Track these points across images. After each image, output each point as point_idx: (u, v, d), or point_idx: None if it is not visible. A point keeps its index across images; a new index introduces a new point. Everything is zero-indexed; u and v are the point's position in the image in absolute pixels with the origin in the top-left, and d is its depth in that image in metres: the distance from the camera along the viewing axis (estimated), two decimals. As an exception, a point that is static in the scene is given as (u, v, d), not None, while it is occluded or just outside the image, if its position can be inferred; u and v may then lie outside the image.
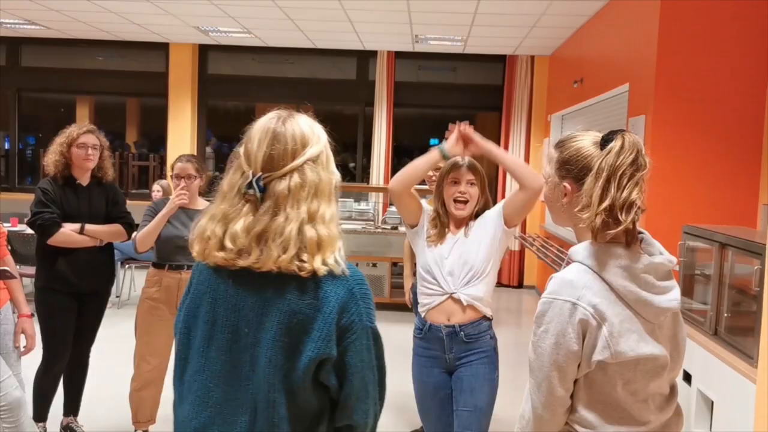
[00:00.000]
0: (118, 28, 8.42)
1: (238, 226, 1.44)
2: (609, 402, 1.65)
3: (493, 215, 2.90)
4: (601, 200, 1.59)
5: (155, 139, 10.33)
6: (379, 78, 9.28)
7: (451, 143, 2.78)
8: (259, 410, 1.44)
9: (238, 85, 9.77)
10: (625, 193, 1.60)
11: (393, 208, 8.66)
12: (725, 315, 3.43)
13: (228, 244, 1.45)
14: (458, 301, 2.84)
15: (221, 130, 10.40)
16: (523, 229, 9.16)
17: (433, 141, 9.07)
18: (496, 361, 2.92)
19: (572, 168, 1.71)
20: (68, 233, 3.62)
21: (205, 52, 9.61)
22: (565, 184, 1.72)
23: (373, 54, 9.29)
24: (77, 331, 3.78)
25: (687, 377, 3.62)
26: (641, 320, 1.63)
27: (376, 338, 1.51)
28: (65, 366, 3.79)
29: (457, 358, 2.87)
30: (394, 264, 7.57)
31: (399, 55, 9.29)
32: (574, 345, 1.60)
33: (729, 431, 3.18)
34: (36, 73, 9.74)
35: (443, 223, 2.93)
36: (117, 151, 9.80)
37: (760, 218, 4.49)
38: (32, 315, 3.23)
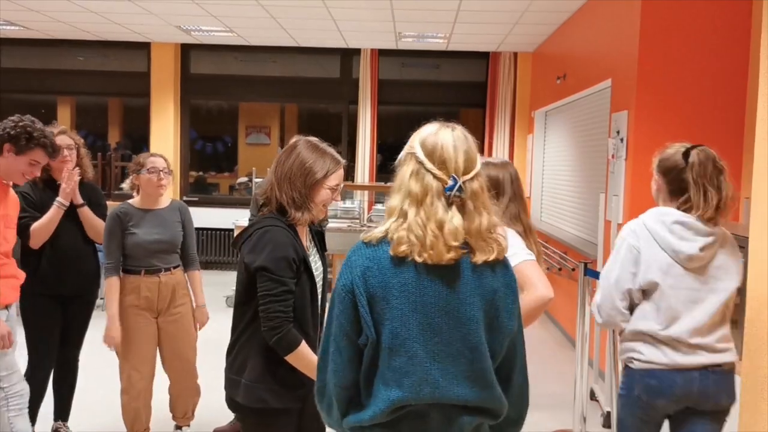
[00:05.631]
0: (99, 27, 8.35)
1: (456, 223, 1.60)
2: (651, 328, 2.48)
3: None
4: (705, 202, 2.49)
5: (138, 139, 10.25)
6: (362, 76, 9.26)
7: None
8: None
9: (221, 85, 9.72)
10: (723, 193, 2.52)
11: (379, 206, 8.66)
12: (709, 308, 3.46)
13: (452, 242, 1.58)
14: None
15: (204, 130, 10.33)
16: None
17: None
18: None
19: (660, 167, 2.59)
20: (37, 225, 3.49)
21: (187, 51, 9.54)
22: (655, 177, 2.60)
23: (356, 52, 9.27)
24: (64, 335, 3.74)
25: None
26: (679, 265, 2.46)
27: None
28: (53, 370, 3.75)
29: None
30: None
31: (382, 53, 9.28)
32: (627, 270, 2.49)
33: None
34: (16, 74, 9.62)
35: None
36: (99, 152, 9.72)
37: (742, 212, 4.53)
38: None
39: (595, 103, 6.05)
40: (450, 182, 1.60)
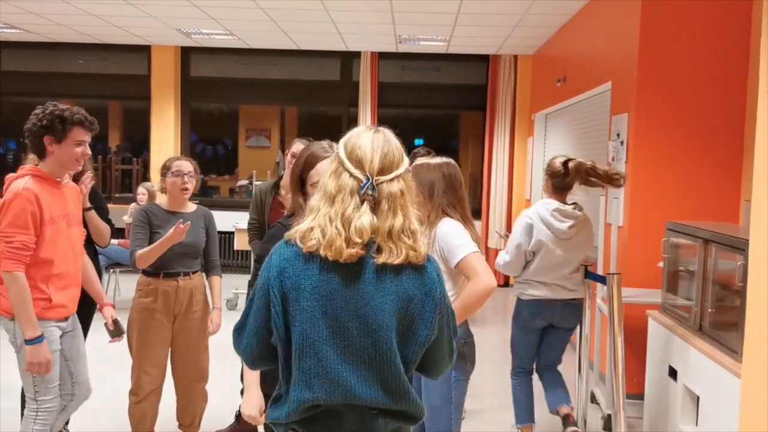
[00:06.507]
0: (99, 30, 8.36)
1: (364, 222, 1.61)
2: (534, 274, 3.87)
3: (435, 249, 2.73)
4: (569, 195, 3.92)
5: (138, 142, 10.26)
6: (362, 79, 9.27)
7: None
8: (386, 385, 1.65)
9: (222, 87, 9.73)
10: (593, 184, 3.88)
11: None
12: (709, 310, 3.46)
13: (356, 239, 1.60)
14: None
15: (204, 133, 10.34)
16: (509, 228, 9.18)
17: (417, 141, 9.07)
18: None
19: (548, 171, 3.91)
20: None
21: (187, 54, 9.55)
22: (544, 177, 3.95)
23: (356, 55, 9.28)
24: None
25: (672, 373, 3.65)
26: (555, 237, 3.76)
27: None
28: None
29: None
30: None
31: (382, 56, 9.29)
32: (524, 239, 3.80)
33: (715, 426, 3.21)
34: (16, 77, 9.64)
35: None
36: (99, 155, 9.73)
37: (743, 214, 4.53)
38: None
39: (596, 106, 6.05)
40: (364, 180, 1.64)
